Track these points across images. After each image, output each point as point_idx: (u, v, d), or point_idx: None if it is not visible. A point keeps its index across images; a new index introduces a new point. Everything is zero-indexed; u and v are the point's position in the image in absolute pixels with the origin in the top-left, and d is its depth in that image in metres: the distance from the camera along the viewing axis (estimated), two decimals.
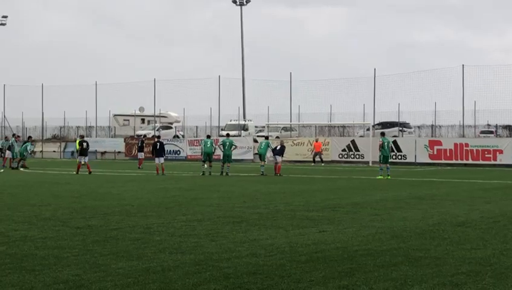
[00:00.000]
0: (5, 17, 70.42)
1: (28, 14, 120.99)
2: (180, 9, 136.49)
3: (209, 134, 47.08)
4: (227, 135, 39.59)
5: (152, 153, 36.89)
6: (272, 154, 36.41)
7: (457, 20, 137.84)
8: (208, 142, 35.72)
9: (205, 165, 35.02)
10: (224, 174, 34.05)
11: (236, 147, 37.50)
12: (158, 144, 36.20)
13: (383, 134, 34.82)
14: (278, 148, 35.53)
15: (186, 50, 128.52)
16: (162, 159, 35.47)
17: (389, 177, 31.33)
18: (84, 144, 36.52)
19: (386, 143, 32.89)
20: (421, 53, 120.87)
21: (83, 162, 35.79)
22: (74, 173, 35.32)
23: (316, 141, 49.83)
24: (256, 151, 42.06)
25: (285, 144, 37.74)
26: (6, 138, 45.34)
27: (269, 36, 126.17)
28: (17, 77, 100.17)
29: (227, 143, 35.57)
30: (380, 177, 31.52)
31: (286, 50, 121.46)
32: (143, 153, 44.54)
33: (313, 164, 47.98)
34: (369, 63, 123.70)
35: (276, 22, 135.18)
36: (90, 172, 34.96)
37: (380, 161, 33.06)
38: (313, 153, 49.26)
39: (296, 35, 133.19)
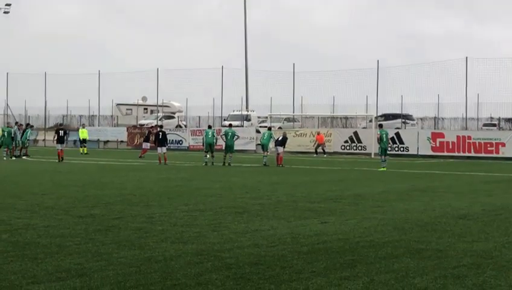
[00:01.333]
0: (9, 5, 70.29)
1: (32, 2, 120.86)
2: None
3: (211, 124, 46.98)
4: (230, 125, 39.56)
5: (154, 142, 37.04)
6: (274, 145, 36.45)
7: (466, 12, 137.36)
8: (210, 133, 35.68)
9: (207, 156, 35.03)
10: (226, 164, 34.07)
11: (238, 137, 37.48)
12: (160, 133, 36.30)
13: (380, 126, 34.83)
14: (279, 139, 35.54)
15: (190, 39, 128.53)
16: (164, 149, 35.53)
17: (384, 169, 31.35)
18: (61, 132, 37.62)
19: (384, 135, 32.97)
20: (427, 44, 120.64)
21: (60, 148, 36.70)
22: (57, 161, 35.55)
23: (318, 134, 49.79)
24: (259, 142, 42.39)
25: (287, 136, 37.68)
26: (8, 125, 45.29)
27: (273, 26, 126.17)
28: (20, 65, 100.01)
29: (230, 133, 35.54)
30: (382, 169, 31.53)
31: (290, 40, 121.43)
32: (148, 144, 44.41)
33: (315, 155, 48.00)
34: (373, 54, 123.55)
35: (281, 11, 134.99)
36: (60, 159, 35.85)
37: (379, 153, 33.27)
38: (315, 145, 49.27)
39: (301, 26, 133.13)
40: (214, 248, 10.22)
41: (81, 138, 48.03)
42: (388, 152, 34.08)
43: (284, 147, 35.67)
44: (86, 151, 45.13)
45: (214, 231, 11.92)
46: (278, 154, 34.80)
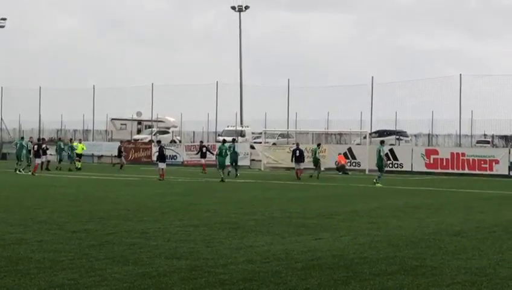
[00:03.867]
0: (4, 19, 70.31)
1: (27, 16, 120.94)
2: (181, 13, 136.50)
3: (225, 139, 46.92)
4: (224, 141, 39.66)
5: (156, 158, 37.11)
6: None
7: (461, 28, 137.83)
8: (224, 149, 36.52)
9: (227, 170, 36.86)
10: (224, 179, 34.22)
11: (234, 152, 38.02)
12: (160, 149, 36.15)
13: (381, 142, 34.86)
14: (297, 155, 37.56)
15: (186, 54, 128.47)
16: (164, 165, 35.29)
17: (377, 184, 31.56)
18: (36, 146, 39.89)
19: (378, 151, 33.21)
20: (422, 60, 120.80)
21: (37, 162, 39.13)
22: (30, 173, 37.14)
23: (339, 155, 49.03)
24: (253, 158, 43.39)
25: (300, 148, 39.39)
26: (22, 138, 45.83)
27: (269, 41, 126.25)
28: (15, 79, 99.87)
29: (224, 149, 35.78)
30: (378, 185, 31.55)
31: (285, 55, 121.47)
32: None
33: (340, 173, 46.93)
34: (368, 70, 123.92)
35: (276, 26, 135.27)
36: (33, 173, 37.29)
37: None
38: (338, 165, 48.09)
39: (296, 41, 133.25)
40: (208, 264, 10.20)
41: (77, 152, 47.43)
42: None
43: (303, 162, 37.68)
44: (79, 166, 44.56)
45: (208, 246, 11.90)
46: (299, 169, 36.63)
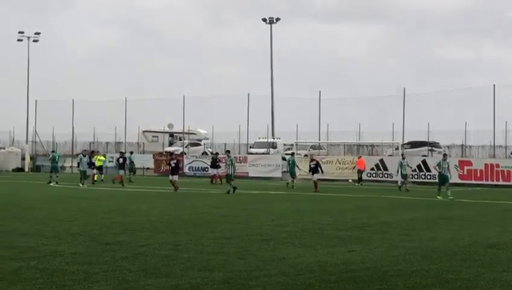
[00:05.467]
0: (38, 33, 71.33)
1: (61, 29, 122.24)
2: (212, 24, 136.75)
3: (291, 152, 47.19)
4: (292, 153, 43.03)
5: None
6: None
7: (494, 37, 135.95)
8: (291, 161, 39.72)
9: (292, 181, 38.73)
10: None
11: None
12: (175, 161, 36.01)
13: (445, 155, 34.83)
14: (312, 166, 37.71)
15: (216, 66, 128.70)
16: (176, 177, 35.11)
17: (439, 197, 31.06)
18: (121, 159, 42.24)
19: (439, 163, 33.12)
20: (457, 71, 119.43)
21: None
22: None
23: (359, 158, 49.07)
24: (285, 169, 43.89)
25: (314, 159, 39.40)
26: (53, 151, 46.68)
27: (300, 52, 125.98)
28: (49, 92, 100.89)
29: (291, 161, 39.83)
30: (439, 197, 31.11)
31: (316, 66, 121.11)
32: (215, 169, 44.95)
33: (357, 184, 46.80)
34: (400, 81, 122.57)
35: (308, 37, 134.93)
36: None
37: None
38: (357, 172, 47.90)
39: (327, 52, 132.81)
40: (241, 276, 10.18)
41: (96, 165, 47.42)
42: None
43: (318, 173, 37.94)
44: (102, 179, 44.64)
45: (241, 258, 11.88)
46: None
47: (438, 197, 30.93)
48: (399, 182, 38.86)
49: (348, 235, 15.51)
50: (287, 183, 39.96)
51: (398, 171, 39.17)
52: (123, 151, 51.94)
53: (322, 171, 39.67)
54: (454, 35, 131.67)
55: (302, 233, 15.92)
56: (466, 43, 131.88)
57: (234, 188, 32.66)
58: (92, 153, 44.38)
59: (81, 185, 37.66)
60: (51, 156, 45.19)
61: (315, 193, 34.26)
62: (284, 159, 52.50)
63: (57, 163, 43.21)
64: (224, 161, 45.30)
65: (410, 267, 11.15)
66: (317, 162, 39.13)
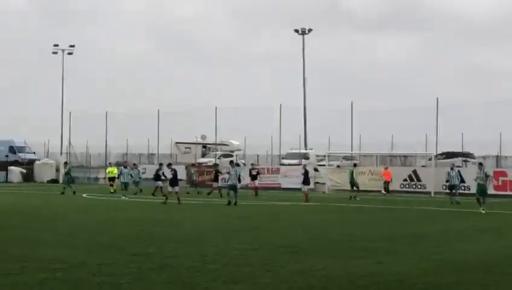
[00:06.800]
0: (72, 46, 72.21)
1: (94, 41, 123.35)
2: (245, 35, 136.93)
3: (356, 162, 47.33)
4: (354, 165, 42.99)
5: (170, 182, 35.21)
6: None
7: None
8: (352, 172, 39.28)
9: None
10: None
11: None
12: (173, 172, 34.90)
13: (480, 164, 33.36)
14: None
15: (249, 76, 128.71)
16: (176, 188, 34.32)
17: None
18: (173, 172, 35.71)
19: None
20: (494, 81, 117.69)
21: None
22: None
23: (386, 169, 48.66)
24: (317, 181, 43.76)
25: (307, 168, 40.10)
26: (65, 163, 47.09)
27: (333, 62, 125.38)
28: (82, 104, 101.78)
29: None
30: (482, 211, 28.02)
31: (350, 76, 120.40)
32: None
33: (386, 193, 46.51)
34: (435, 90, 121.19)
35: (340, 47, 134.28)
36: None
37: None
38: (385, 183, 47.58)
39: (361, 61, 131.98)
40: (266, 288, 10.07)
41: (109, 177, 47.24)
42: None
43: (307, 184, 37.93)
44: (113, 190, 44.42)
45: (268, 270, 11.76)
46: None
47: (482, 211, 27.81)
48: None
49: (377, 247, 15.31)
50: (350, 197, 38.63)
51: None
52: (171, 163, 49.96)
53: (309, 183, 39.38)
54: (492, 44, 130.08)
55: (330, 244, 15.76)
56: (505, 52, 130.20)
57: (235, 202, 31.87)
58: (168, 165, 41.67)
59: (123, 197, 37.58)
60: (68, 167, 45.72)
61: (306, 203, 33.99)
62: (316, 170, 52.31)
63: (69, 175, 44.10)
64: (257, 172, 45.32)
65: (439, 280, 10.94)
66: (306, 171, 38.92)
